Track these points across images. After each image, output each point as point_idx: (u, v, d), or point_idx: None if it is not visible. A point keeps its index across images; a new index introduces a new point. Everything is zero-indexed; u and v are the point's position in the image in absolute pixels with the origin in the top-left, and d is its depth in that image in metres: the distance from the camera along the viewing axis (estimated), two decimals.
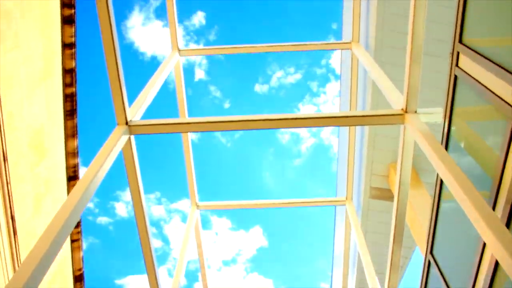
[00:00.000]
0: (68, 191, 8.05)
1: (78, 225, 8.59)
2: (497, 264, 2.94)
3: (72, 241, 8.53)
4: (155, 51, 27.06)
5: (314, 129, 29.71)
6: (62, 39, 7.67)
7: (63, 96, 7.90)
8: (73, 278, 8.60)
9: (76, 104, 8.18)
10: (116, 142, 3.85)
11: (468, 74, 3.29)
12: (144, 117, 4.52)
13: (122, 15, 25.68)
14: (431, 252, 4.10)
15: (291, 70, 29.14)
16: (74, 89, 8.09)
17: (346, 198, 7.10)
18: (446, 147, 3.75)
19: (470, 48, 3.26)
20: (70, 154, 8.31)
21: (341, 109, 7.98)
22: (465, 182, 3.07)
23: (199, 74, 27.63)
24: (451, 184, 3.15)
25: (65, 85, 7.93)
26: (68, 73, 7.92)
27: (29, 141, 7.04)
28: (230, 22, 27.98)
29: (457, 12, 3.37)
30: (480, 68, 3.10)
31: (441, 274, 3.85)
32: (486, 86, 3.05)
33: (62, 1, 7.51)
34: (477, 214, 2.78)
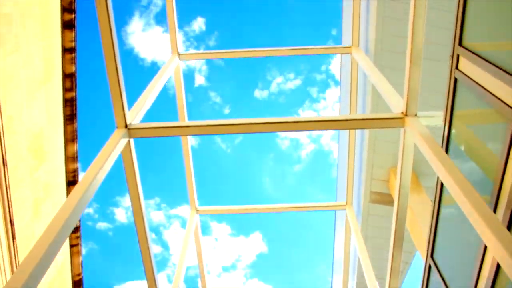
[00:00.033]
0: (68, 196, 8.04)
1: (77, 229, 8.56)
2: (498, 266, 2.92)
3: (71, 246, 8.50)
4: (155, 56, 27.13)
5: (314, 135, 29.71)
6: (62, 43, 7.68)
7: (63, 100, 7.90)
8: (72, 283, 8.56)
9: (76, 109, 8.18)
10: (116, 145, 3.84)
11: (468, 77, 3.28)
12: (144, 121, 4.52)
13: (122, 21, 25.77)
14: (431, 256, 4.07)
15: (291, 76, 29.17)
16: (74, 93, 8.09)
17: (346, 203, 7.08)
18: (446, 151, 3.74)
19: (470, 51, 3.25)
20: (70, 158, 8.29)
21: (341, 114, 7.98)
22: (466, 185, 3.06)
23: (199, 80, 27.67)
24: (451, 187, 3.14)
25: (65, 89, 7.93)
26: (68, 78, 7.93)
27: (28, 145, 7.03)
28: (230, 27, 28.07)
29: (457, 15, 3.37)
30: (480, 70, 3.10)
31: (442, 278, 3.83)
32: (486, 88, 3.04)
33: (62, 6, 7.53)
34: (477, 217, 2.76)
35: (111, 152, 3.71)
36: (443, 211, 3.92)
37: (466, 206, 2.93)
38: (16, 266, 6.63)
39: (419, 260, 8.54)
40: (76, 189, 3.15)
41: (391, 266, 4.84)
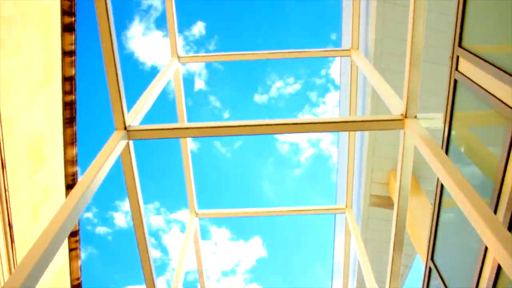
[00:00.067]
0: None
1: (76, 233, 8.53)
2: (499, 268, 2.90)
3: (70, 250, 8.47)
4: (155, 61, 27.17)
5: (313, 139, 29.69)
6: (62, 46, 7.69)
7: (63, 103, 7.89)
8: (71, 287, 8.52)
9: (75, 112, 8.17)
10: (115, 147, 3.83)
11: (468, 78, 3.27)
12: (143, 124, 4.50)
13: (122, 25, 25.83)
14: (431, 259, 4.05)
15: (291, 80, 29.21)
16: (73, 96, 8.09)
17: (346, 206, 7.06)
18: (446, 152, 3.73)
19: (469, 52, 3.25)
20: (69, 162, 8.28)
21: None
22: (466, 186, 3.04)
23: (199, 84, 27.70)
24: (451, 188, 3.13)
25: (65, 92, 7.93)
26: (68, 81, 7.92)
27: (27, 149, 7.02)
28: (230, 32, 28.13)
29: (457, 16, 3.37)
30: (480, 71, 3.09)
31: (442, 280, 3.81)
32: (487, 89, 3.04)
33: (62, 9, 7.54)
34: (478, 218, 2.75)
35: (110, 154, 3.70)
36: (443, 213, 3.91)
37: (466, 207, 2.92)
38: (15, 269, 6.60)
39: (419, 263, 8.52)
40: (75, 190, 3.14)
41: (391, 269, 4.82)
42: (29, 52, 6.91)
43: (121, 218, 25.71)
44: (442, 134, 3.77)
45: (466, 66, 3.32)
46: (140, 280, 4.72)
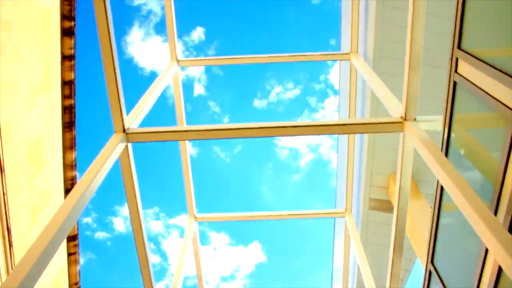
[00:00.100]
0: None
1: (75, 238, 8.50)
2: (499, 270, 2.88)
3: (69, 254, 8.43)
4: (154, 66, 27.21)
5: (313, 144, 29.68)
6: (61, 51, 7.69)
7: (62, 107, 7.89)
8: None
9: (74, 116, 8.16)
10: (113, 149, 3.82)
11: (468, 80, 3.27)
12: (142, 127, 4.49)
13: (122, 31, 25.89)
14: (432, 262, 4.03)
15: (290, 85, 29.24)
16: (72, 101, 8.08)
17: (346, 210, 7.05)
18: (446, 154, 3.72)
19: (469, 54, 3.25)
20: (68, 166, 8.26)
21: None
22: (466, 188, 3.03)
23: (198, 90, 27.74)
24: (451, 190, 3.11)
25: (64, 97, 7.92)
26: (67, 85, 7.92)
27: (27, 152, 7.01)
28: (229, 37, 28.19)
29: (456, 18, 3.37)
30: (480, 73, 3.09)
31: (443, 283, 3.79)
32: (486, 91, 3.03)
33: (62, 13, 7.54)
34: (478, 219, 2.74)
35: (109, 156, 3.69)
36: (443, 216, 3.90)
37: (466, 209, 2.91)
38: None
39: (419, 268, 8.49)
40: (74, 191, 3.12)
41: (391, 273, 4.80)
42: (29, 56, 6.91)
43: (120, 223, 25.66)
44: (441, 137, 3.77)
45: (465, 68, 3.32)
46: (139, 285, 4.70)
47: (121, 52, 25.43)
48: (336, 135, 7.89)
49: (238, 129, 4.15)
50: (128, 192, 4.30)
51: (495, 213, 2.99)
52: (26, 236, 6.98)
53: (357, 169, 7.61)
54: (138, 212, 4.34)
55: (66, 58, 7.79)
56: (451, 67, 3.52)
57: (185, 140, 5.29)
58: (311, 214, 7.07)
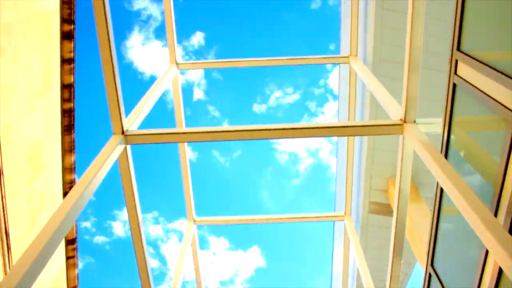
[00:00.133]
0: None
1: (74, 241, 8.47)
2: (500, 273, 2.87)
3: (68, 258, 8.40)
4: (154, 70, 27.25)
5: (312, 149, 29.68)
6: (61, 54, 7.69)
7: (61, 111, 7.88)
8: None
9: (74, 119, 8.16)
10: (112, 151, 3.81)
11: (467, 82, 3.27)
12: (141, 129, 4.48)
13: (121, 35, 25.94)
14: (431, 264, 4.02)
15: (289, 90, 29.30)
16: (72, 104, 8.08)
17: (345, 214, 7.03)
18: (446, 157, 3.71)
19: (468, 55, 3.24)
20: (67, 169, 8.25)
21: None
22: (466, 189, 3.02)
23: (198, 94, 27.76)
24: (451, 191, 3.10)
25: (63, 100, 7.92)
26: (67, 88, 7.92)
27: (26, 155, 6.99)
28: (229, 42, 28.24)
29: (455, 20, 3.37)
30: (479, 75, 3.08)
31: (442, 286, 3.77)
32: (486, 93, 3.03)
33: (62, 16, 7.55)
34: (478, 221, 2.72)
35: (107, 158, 3.67)
36: (443, 219, 3.88)
37: (466, 210, 2.90)
38: None
39: (419, 271, 8.45)
40: (72, 192, 3.11)
41: (391, 276, 4.78)
42: (28, 59, 6.91)
43: (119, 228, 25.60)
44: (441, 139, 3.76)
45: (465, 70, 3.32)
46: None
47: (121, 56, 25.48)
48: (336, 139, 7.90)
49: (237, 131, 4.14)
50: (127, 194, 4.28)
51: (495, 215, 2.97)
52: (24, 240, 6.95)
53: (356, 172, 7.60)
54: (137, 216, 4.33)
55: (66, 61, 7.79)
56: (450, 69, 3.52)
57: (184, 142, 5.27)
58: (310, 217, 7.05)
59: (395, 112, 4.29)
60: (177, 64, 6.16)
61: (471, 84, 3.22)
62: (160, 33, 26.91)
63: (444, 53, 3.82)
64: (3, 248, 6.50)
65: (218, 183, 29.70)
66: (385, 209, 7.52)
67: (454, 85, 3.50)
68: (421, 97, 4.40)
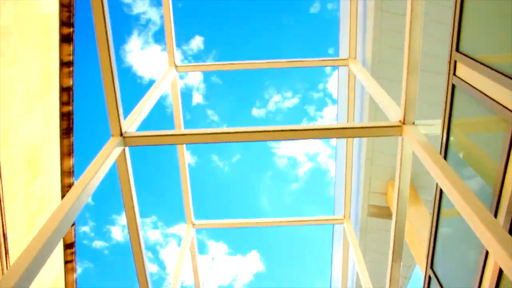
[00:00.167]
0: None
1: (72, 245, 8.43)
2: (500, 275, 2.85)
3: (66, 262, 8.36)
4: (153, 74, 27.27)
5: (311, 153, 29.68)
6: (60, 57, 7.69)
7: (60, 114, 7.87)
8: None
9: (72, 123, 8.14)
10: (110, 153, 3.79)
11: (466, 82, 3.26)
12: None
13: (121, 39, 25.98)
14: (431, 267, 4.00)
15: (288, 94, 29.32)
16: (71, 107, 8.07)
17: (344, 217, 7.01)
18: (445, 158, 3.70)
19: (467, 56, 3.24)
20: (66, 173, 8.22)
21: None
22: (465, 190, 3.01)
23: (197, 98, 27.78)
24: (450, 192, 3.09)
25: (62, 103, 7.90)
26: (65, 91, 7.91)
27: (24, 159, 6.97)
28: (228, 47, 28.29)
29: (454, 21, 3.37)
30: (479, 75, 3.08)
31: None
32: (485, 93, 3.02)
33: (61, 19, 7.56)
34: (478, 221, 2.71)
35: (106, 160, 3.66)
36: (442, 220, 3.87)
37: (466, 211, 2.88)
38: None
39: (418, 275, 8.43)
40: (69, 194, 3.09)
41: (390, 279, 4.76)
42: (27, 62, 6.91)
43: (118, 232, 25.54)
44: (440, 141, 3.75)
45: (464, 70, 3.31)
46: None
47: (120, 60, 25.51)
48: (335, 143, 7.90)
49: (236, 133, 4.13)
50: (125, 197, 4.26)
51: (495, 216, 2.96)
52: (22, 243, 6.92)
53: (355, 175, 7.59)
54: (135, 218, 4.30)
55: (65, 64, 7.78)
56: (449, 70, 3.52)
57: (183, 144, 5.26)
58: (309, 220, 7.03)
59: (394, 114, 4.28)
60: (176, 66, 6.16)
61: (470, 85, 3.22)
62: (159, 37, 26.96)
63: (443, 55, 3.82)
64: (0, 252, 6.47)
65: (217, 187, 29.67)
66: (384, 212, 7.50)
67: (453, 86, 3.49)
68: (420, 100, 4.40)
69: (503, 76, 2.78)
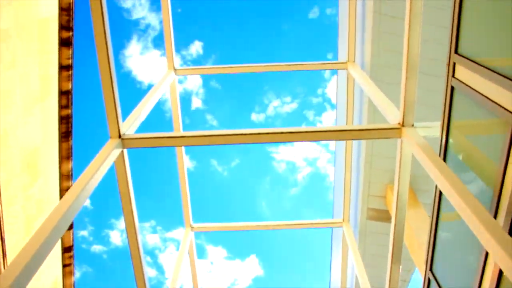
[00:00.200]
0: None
1: (70, 249, 8.40)
2: (500, 274, 2.84)
3: (64, 265, 8.33)
4: (152, 79, 27.30)
5: (310, 158, 29.67)
6: (59, 61, 7.69)
7: (59, 117, 7.86)
8: None
9: (71, 126, 8.13)
10: (108, 155, 3.78)
11: (465, 84, 3.26)
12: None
13: (120, 44, 26.02)
14: (430, 269, 3.98)
15: (288, 99, 29.36)
16: (70, 111, 8.06)
17: (343, 220, 6.99)
18: (444, 160, 3.70)
19: (466, 58, 3.24)
20: (64, 176, 8.21)
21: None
22: (465, 192, 3.01)
23: (196, 103, 27.81)
24: (450, 194, 3.09)
25: (61, 106, 7.90)
26: (64, 95, 7.91)
27: (22, 162, 6.96)
28: (227, 51, 28.34)
29: (452, 23, 3.38)
30: (477, 77, 3.08)
31: None
32: (484, 95, 3.02)
33: (60, 23, 7.56)
34: (478, 223, 2.70)
35: (104, 161, 3.65)
36: (442, 223, 3.86)
37: (466, 212, 2.87)
38: None
39: (418, 278, 8.41)
40: (67, 195, 3.08)
41: (389, 283, 4.74)
42: (26, 66, 6.90)
43: (117, 237, 25.47)
44: (439, 143, 3.75)
45: (463, 72, 3.31)
46: None
47: (119, 65, 25.53)
48: (334, 148, 7.90)
49: (235, 135, 4.12)
50: (123, 199, 4.24)
51: (495, 217, 2.95)
52: (20, 246, 6.89)
53: (354, 178, 7.58)
54: (133, 220, 4.29)
55: (64, 68, 7.78)
56: (448, 72, 3.52)
57: (181, 146, 5.25)
58: (308, 224, 7.01)
59: (393, 116, 4.28)
60: (175, 70, 6.16)
61: (469, 87, 3.22)
62: (158, 42, 27.01)
63: (442, 59, 3.83)
64: None
65: (216, 192, 29.64)
66: (383, 216, 7.49)
67: (452, 88, 3.49)
68: (419, 102, 4.41)
69: (502, 78, 2.79)
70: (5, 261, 6.55)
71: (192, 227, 6.71)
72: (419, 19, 3.91)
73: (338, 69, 6.46)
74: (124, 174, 4.15)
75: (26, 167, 7.03)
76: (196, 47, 27.23)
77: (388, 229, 6.62)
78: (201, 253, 26.76)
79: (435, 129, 4.06)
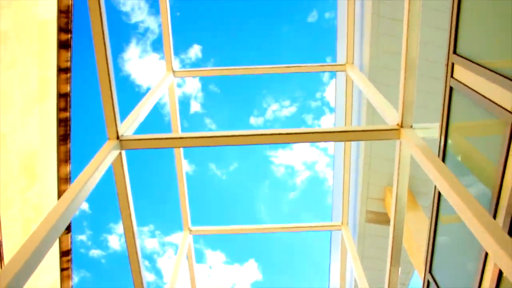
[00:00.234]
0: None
1: (68, 253, 8.37)
2: (500, 275, 2.83)
3: (62, 269, 8.29)
4: (151, 83, 27.30)
5: (309, 162, 29.66)
6: (57, 63, 7.68)
7: (57, 120, 7.84)
8: None
9: (69, 129, 8.11)
10: (106, 156, 3.76)
11: (464, 84, 3.26)
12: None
13: (119, 48, 26.03)
14: (430, 271, 3.96)
15: (286, 103, 29.38)
16: (68, 113, 8.04)
17: (342, 223, 6.97)
18: (443, 161, 3.69)
19: (465, 58, 3.24)
20: (62, 179, 8.18)
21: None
22: (464, 192, 2.99)
23: (195, 107, 27.80)
24: (449, 195, 3.07)
25: (59, 109, 7.88)
26: (63, 98, 7.89)
27: (20, 165, 6.94)
28: (226, 55, 28.37)
29: (451, 23, 3.38)
30: (476, 77, 3.08)
31: None
32: (483, 94, 3.02)
33: (59, 26, 7.56)
34: (477, 223, 2.69)
35: (101, 163, 3.63)
36: (441, 224, 3.84)
37: (465, 213, 2.86)
38: None
39: (417, 282, 8.39)
40: (65, 196, 3.06)
41: (389, 285, 4.72)
42: (25, 68, 6.90)
43: (115, 241, 25.39)
44: (438, 144, 3.74)
45: (461, 72, 3.31)
46: None
47: (118, 69, 25.54)
48: (332, 151, 7.89)
49: (233, 136, 4.11)
50: (121, 201, 4.22)
51: (494, 217, 2.94)
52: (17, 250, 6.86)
53: (353, 181, 7.56)
54: (131, 222, 4.26)
55: (62, 70, 7.77)
56: (447, 72, 3.51)
57: (179, 147, 5.23)
58: (307, 227, 6.99)
59: (391, 118, 4.27)
60: (173, 72, 6.15)
61: (467, 87, 3.21)
62: (157, 46, 27.05)
63: (441, 61, 3.82)
64: None
65: (214, 196, 29.60)
66: (382, 218, 7.47)
67: (451, 88, 3.49)
68: (417, 104, 4.40)
69: (501, 77, 2.78)
70: (2, 264, 6.51)
71: (190, 230, 6.68)
72: (417, 20, 3.91)
73: (336, 71, 6.46)
74: (122, 176, 4.13)
75: (24, 170, 7.01)
76: (195, 51, 27.27)
77: (387, 232, 6.59)
78: (200, 257, 26.68)
79: (433, 130, 4.06)
